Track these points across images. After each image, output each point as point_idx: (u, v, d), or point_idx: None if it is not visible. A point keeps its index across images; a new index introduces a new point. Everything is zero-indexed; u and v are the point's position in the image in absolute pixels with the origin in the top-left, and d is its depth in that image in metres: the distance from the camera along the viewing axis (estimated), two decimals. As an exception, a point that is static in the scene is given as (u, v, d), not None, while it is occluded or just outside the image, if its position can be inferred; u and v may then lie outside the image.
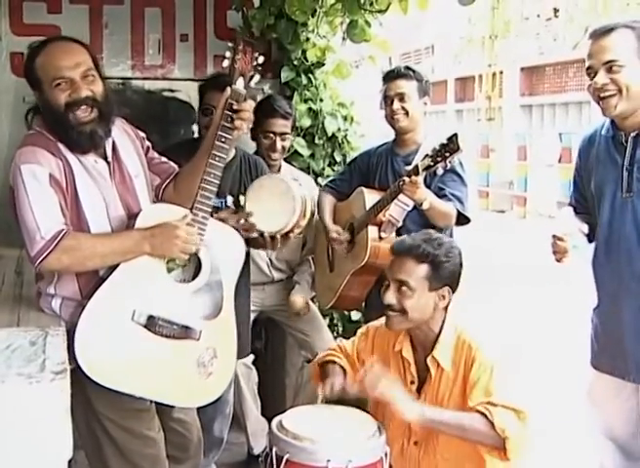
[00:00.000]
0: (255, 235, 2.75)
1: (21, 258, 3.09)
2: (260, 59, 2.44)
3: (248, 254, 3.25)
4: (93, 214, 2.35)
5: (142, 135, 2.64)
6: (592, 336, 2.74)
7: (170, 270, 2.37)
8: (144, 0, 3.99)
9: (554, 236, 2.57)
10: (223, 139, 2.39)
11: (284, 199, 2.75)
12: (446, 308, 2.50)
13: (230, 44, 2.45)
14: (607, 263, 2.61)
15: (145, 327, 2.29)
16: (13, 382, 1.64)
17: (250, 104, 2.43)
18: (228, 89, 2.41)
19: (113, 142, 2.45)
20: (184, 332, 2.33)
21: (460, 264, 2.52)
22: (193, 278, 2.39)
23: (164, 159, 2.67)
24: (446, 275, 2.46)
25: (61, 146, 2.33)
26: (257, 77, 2.46)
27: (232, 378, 3.33)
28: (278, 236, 2.78)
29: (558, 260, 2.59)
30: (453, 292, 2.50)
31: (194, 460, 2.65)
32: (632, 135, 2.53)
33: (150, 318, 2.29)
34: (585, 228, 2.60)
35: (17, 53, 3.81)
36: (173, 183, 2.61)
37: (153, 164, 2.62)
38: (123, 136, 2.52)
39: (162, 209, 2.42)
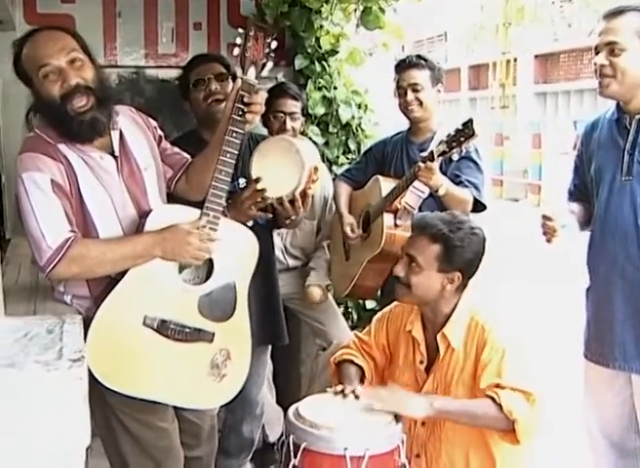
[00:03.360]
0: (274, 204, 2.62)
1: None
2: (274, 45, 2.35)
3: (272, 244, 3.25)
4: (100, 215, 2.29)
5: (154, 123, 2.56)
6: (585, 323, 2.76)
7: (182, 269, 2.32)
8: (158, -12, 3.99)
9: (543, 216, 2.60)
10: (235, 134, 2.31)
11: (289, 156, 2.60)
12: (459, 290, 2.48)
13: (241, 30, 2.34)
14: (602, 246, 2.63)
15: (157, 331, 2.26)
16: (30, 369, 1.63)
17: (262, 96, 2.35)
18: (239, 80, 2.32)
19: (121, 134, 2.37)
20: (197, 335, 2.30)
21: (480, 252, 2.48)
22: (206, 279, 2.34)
23: (176, 150, 2.60)
24: (458, 260, 2.42)
25: (62, 147, 2.26)
26: (269, 65, 2.36)
27: (261, 382, 3.34)
28: (297, 196, 2.61)
29: (548, 241, 2.62)
30: (467, 278, 2.48)
31: (206, 447, 2.63)
32: (637, 118, 2.54)
33: (162, 322, 2.26)
34: (575, 207, 2.66)
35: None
36: (185, 176, 2.55)
37: (166, 155, 2.55)
38: (132, 126, 2.43)
39: (173, 210, 2.34)
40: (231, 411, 3.23)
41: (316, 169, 2.64)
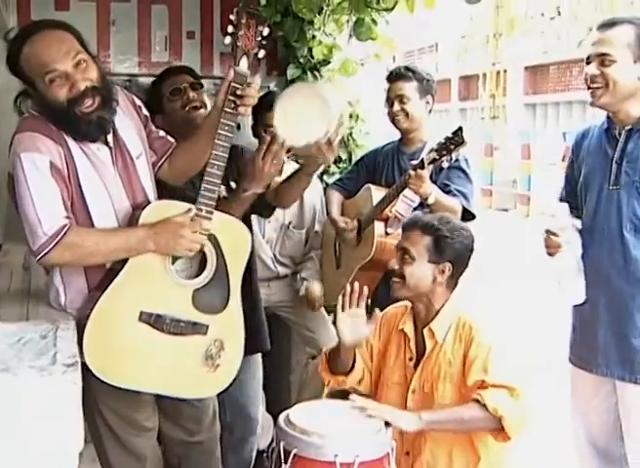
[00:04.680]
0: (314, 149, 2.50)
1: (28, 254, 3.10)
2: (266, 32, 2.28)
3: (252, 252, 3.24)
4: (96, 206, 2.29)
5: (139, 103, 2.52)
6: (571, 328, 2.80)
7: (175, 260, 2.33)
8: (151, -3, 4.02)
9: (548, 231, 2.65)
10: (227, 127, 2.28)
11: (314, 102, 2.44)
12: (449, 287, 2.55)
13: (232, 17, 2.25)
14: (588, 253, 2.66)
15: (153, 326, 2.28)
16: (25, 375, 1.65)
17: (255, 88, 2.31)
18: (231, 71, 2.27)
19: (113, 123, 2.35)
20: (192, 328, 2.33)
21: (469, 246, 2.57)
22: (199, 272, 2.37)
23: (162, 133, 2.56)
24: (448, 251, 2.52)
25: (64, 133, 2.25)
26: (262, 53, 2.30)
27: (258, 400, 3.32)
28: (332, 138, 2.49)
29: (550, 254, 2.67)
30: (457, 272, 2.55)
31: (208, 432, 2.65)
32: (626, 128, 2.59)
33: (158, 317, 2.28)
34: (579, 224, 2.68)
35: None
36: (168, 161, 2.53)
37: (151, 138, 2.52)
38: (120, 111, 2.38)
39: (168, 205, 2.36)
40: (230, 430, 3.17)
41: (342, 115, 2.57)
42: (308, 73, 4.03)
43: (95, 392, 2.29)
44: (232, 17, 2.27)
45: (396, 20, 3.98)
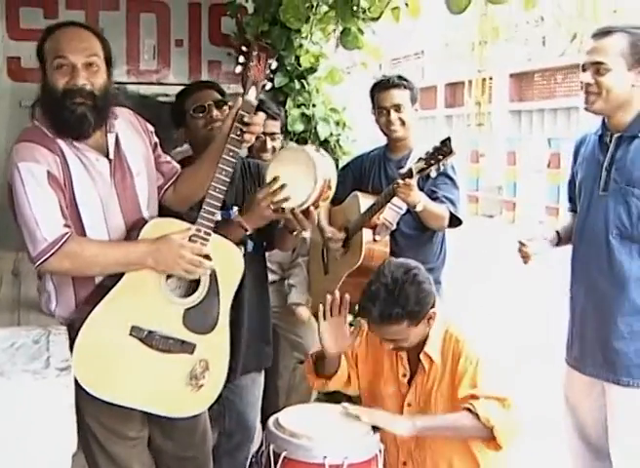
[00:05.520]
0: (288, 215, 2.54)
1: (17, 261, 3.12)
2: (274, 65, 2.36)
3: (266, 273, 3.22)
4: (89, 214, 2.31)
5: (151, 128, 2.56)
6: (567, 330, 2.85)
7: (168, 277, 2.35)
8: (140, 6, 4.05)
9: (519, 242, 2.82)
10: (232, 153, 2.33)
11: (304, 169, 2.50)
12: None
13: (244, 49, 2.35)
14: (578, 257, 2.76)
15: (142, 341, 2.30)
16: (19, 378, 1.67)
17: (261, 117, 2.37)
18: (239, 99, 2.33)
19: (117, 137, 2.38)
20: (180, 347, 2.34)
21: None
22: (193, 291, 2.39)
23: (169, 158, 2.62)
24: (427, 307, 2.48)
25: (60, 142, 2.28)
26: (268, 85, 2.38)
27: (258, 406, 3.24)
28: (311, 208, 2.55)
29: (524, 263, 2.84)
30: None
31: (201, 448, 2.65)
32: (616, 135, 2.64)
33: (149, 333, 2.30)
34: (550, 235, 2.85)
35: (13, 57, 3.86)
36: (174, 186, 2.57)
37: (159, 162, 2.56)
38: (129, 130, 2.45)
39: (169, 222, 2.38)
40: (228, 436, 3.20)
41: (329, 186, 2.59)
42: (295, 81, 4.06)
43: (80, 401, 2.30)
44: (244, 48, 2.34)
45: (382, 28, 4.03)
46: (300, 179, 2.50)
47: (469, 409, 2.36)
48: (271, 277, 3.64)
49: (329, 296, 2.57)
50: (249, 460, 3.42)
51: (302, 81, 4.08)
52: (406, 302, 2.42)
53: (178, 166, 2.62)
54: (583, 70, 2.62)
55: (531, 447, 2.91)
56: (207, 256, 2.33)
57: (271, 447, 2.29)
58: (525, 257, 2.81)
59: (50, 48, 2.29)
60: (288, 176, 2.50)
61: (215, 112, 2.96)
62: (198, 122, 2.96)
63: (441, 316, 2.55)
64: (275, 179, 2.49)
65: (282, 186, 2.48)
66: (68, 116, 2.26)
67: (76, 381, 2.15)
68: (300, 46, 4.03)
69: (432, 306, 2.49)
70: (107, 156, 2.36)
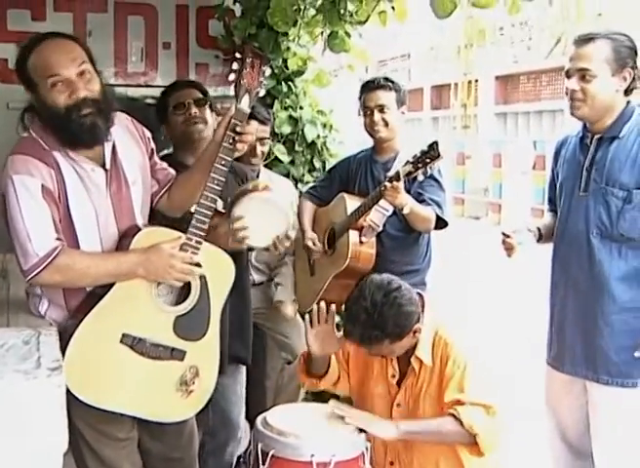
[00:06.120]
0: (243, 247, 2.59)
1: (6, 262, 3.11)
2: (268, 72, 2.34)
3: (247, 264, 3.26)
4: (83, 228, 2.31)
5: (148, 134, 2.56)
6: (547, 329, 2.90)
7: (159, 284, 2.36)
8: (128, 8, 4.04)
9: (503, 233, 2.82)
10: (224, 162, 2.31)
11: (273, 215, 2.53)
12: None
13: (238, 55, 2.31)
14: (558, 256, 2.81)
15: (133, 348, 2.31)
16: (10, 378, 1.69)
17: (253, 127, 2.36)
18: (232, 107, 2.31)
19: (114, 146, 2.38)
20: (170, 354, 2.36)
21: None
22: (184, 298, 2.40)
23: (165, 165, 2.61)
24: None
25: (56, 154, 2.28)
26: (262, 92, 2.35)
27: (240, 403, 3.33)
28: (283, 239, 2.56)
29: (508, 255, 2.84)
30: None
31: (188, 450, 2.67)
32: (596, 137, 2.68)
33: (139, 341, 2.31)
34: (533, 226, 2.86)
35: (0, 59, 3.85)
36: (168, 193, 2.57)
37: (155, 169, 2.56)
38: (126, 137, 2.45)
39: (159, 232, 2.37)
40: (213, 435, 3.23)
41: (293, 227, 2.60)
42: (283, 84, 4.08)
43: (69, 403, 2.30)
44: (238, 54, 2.31)
45: (369, 31, 4.05)
46: (265, 227, 2.51)
47: (454, 415, 2.39)
48: (259, 277, 3.66)
49: (315, 306, 2.59)
50: (236, 460, 3.45)
51: (290, 83, 4.09)
52: (384, 326, 2.42)
53: (173, 172, 2.62)
54: (567, 77, 2.66)
55: (516, 448, 2.94)
56: (198, 265, 2.34)
57: (259, 445, 2.32)
58: (509, 249, 2.82)
59: (37, 67, 2.26)
60: (253, 221, 2.48)
61: (194, 110, 3.02)
62: (178, 119, 3.05)
63: (430, 319, 2.57)
64: (239, 219, 2.46)
65: (243, 228, 2.45)
66: (78, 129, 2.25)
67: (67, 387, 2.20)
68: (288, 49, 4.05)
69: (417, 321, 2.50)
70: (104, 166, 2.35)
